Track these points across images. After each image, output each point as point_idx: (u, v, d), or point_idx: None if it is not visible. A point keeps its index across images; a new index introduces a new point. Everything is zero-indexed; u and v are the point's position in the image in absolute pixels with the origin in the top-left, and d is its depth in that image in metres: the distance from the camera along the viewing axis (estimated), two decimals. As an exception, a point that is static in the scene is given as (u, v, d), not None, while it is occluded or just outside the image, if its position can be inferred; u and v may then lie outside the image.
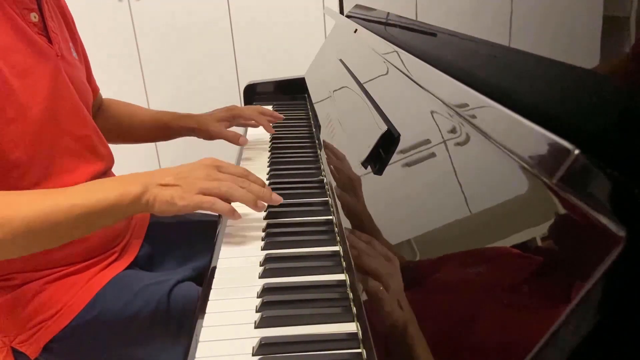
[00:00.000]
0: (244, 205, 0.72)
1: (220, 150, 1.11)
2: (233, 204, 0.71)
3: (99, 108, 1.07)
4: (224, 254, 0.71)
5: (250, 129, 1.26)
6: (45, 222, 0.62)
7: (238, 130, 1.14)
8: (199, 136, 1.09)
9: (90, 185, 0.70)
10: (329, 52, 1.37)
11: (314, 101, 1.23)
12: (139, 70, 2.31)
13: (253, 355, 0.52)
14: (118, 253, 0.88)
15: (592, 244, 0.27)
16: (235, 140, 1.05)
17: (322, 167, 0.96)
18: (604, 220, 0.27)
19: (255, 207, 0.72)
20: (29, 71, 0.73)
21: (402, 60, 0.70)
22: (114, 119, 1.07)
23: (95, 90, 1.02)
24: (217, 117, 1.08)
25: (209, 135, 1.07)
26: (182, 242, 0.98)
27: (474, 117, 0.43)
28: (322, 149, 0.97)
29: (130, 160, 1.52)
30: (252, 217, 0.79)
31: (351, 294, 0.59)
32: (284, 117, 1.21)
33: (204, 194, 0.69)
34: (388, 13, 0.99)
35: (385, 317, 0.47)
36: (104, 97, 1.08)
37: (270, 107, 1.42)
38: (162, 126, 1.08)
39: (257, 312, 0.58)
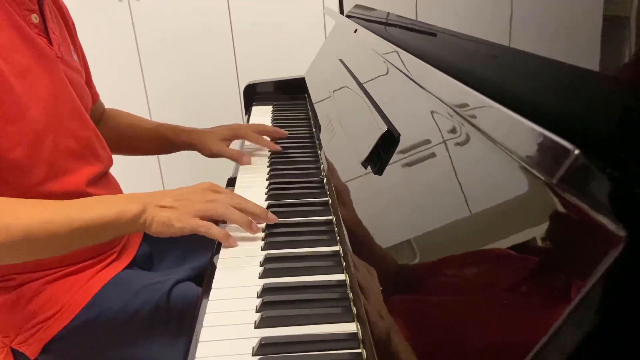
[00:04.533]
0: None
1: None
2: (231, 229, 0.72)
3: (101, 117, 1.06)
4: (223, 253, 0.71)
5: None
6: (43, 232, 0.63)
7: (237, 144, 1.13)
8: (199, 152, 1.08)
9: (91, 200, 0.71)
10: (329, 52, 1.37)
11: (314, 101, 1.23)
12: (139, 71, 2.31)
13: (253, 355, 0.52)
14: (117, 253, 0.88)
15: (592, 244, 0.27)
16: (239, 159, 1.04)
17: (322, 167, 0.96)
18: (604, 220, 0.27)
19: (249, 229, 0.73)
20: (29, 71, 0.73)
21: (402, 60, 0.70)
22: (116, 130, 1.06)
23: (95, 96, 1.01)
24: (220, 135, 1.07)
25: (210, 153, 1.06)
26: (181, 241, 0.97)
27: (474, 117, 0.43)
28: (322, 149, 0.97)
29: (131, 161, 1.51)
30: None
31: (351, 294, 0.59)
32: (284, 117, 1.20)
33: (201, 217, 0.70)
34: (388, 13, 0.99)
35: (385, 318, 0.46)
36: (104, 98, 1.08)
37: (270, 107, 1.42)
38: (163, 139, 1.08)
39: (257, 312, 0.58)
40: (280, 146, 1.09)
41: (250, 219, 0.73)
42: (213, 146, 1.05)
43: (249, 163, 1.04)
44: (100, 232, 0.67)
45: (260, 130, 1.10)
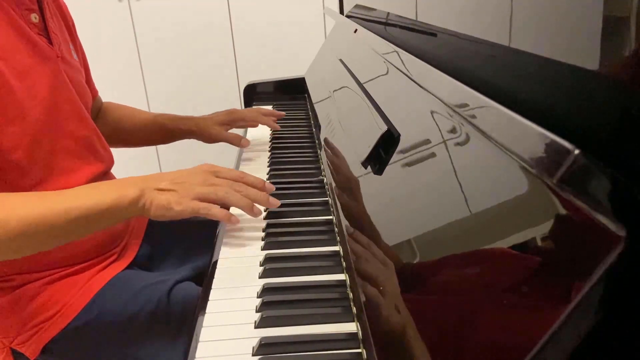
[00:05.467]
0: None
1: (220, 151, 1.11)
2: (232, 209, 0.71)
3: (99, 112, 1.06)
4: (223, 253, 0.71)
5: (250, 130, 1.26)
6: (41, 224, 0.62)
7: (238, 132, 1.13)
8: (199, 139, 1.08)
9: (87, 188, 0.70)
10: (329, 52, 1.37)
11: (314, 101, 1.23)
12: (139, 70, 2.31)
13: (253, 355, 0.52)
14: (117, 253, 0.88)
15: (592, 244, 0.27)
16: (237, 142, 1.05)
17: (322, 167, 0.96)
18: (604, 220, 0.27)
19: (251, 212, 0.72)
20: (29, 72, 0.73)
21: (402, 60, 0.70)
22: (114, 123, 1.06)
23: (94, 93, 1.01)
24: (218, 120, 1.07)
25: (209, 138, 1.06)
26: (182, 242, 0.98)
27: (474, 117, 0.43)
28: (322, 149, 0.97)
29: (130, 161, 1.52)
30: (252, 217, 0.78)
31: (351, 294, 0.59)
32: (284, 117, 1.20)
33: (201, 200, 0.69)
34: (388, 13, 0.99)
35: (385, 318, 0.47)
36: (104, 97, 1.08)
37: (270, 107, 1.42)
38: (162, 129, 1.08)
39: (257, 312, 0.58)
40: (280, 146, 1.09)
41: (252, 202, 0.72)
42: (212, 131, 1.05)
43: (247, 145, 1.05)
44: (99, 219, 0.66)
45: (258, 112, 1.11)
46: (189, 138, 1.09)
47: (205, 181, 0.71)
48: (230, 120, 1.09)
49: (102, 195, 0.66)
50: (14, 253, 0.66)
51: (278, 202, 0.75)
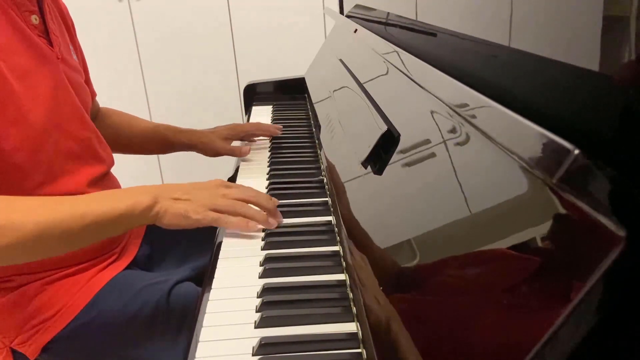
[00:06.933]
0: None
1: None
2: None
3: (96, 116, 1.06)
4: (223, 253, 0.71)
5: None
6: (56, 229, 0.63)
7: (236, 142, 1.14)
8: (201, 152, 1.09)
9: (102, 194, 0.71)
10: (329, 52, 1.37)
11: (314, 101, 1.23)
12: (139, 71, 2.31)
13: (253, 355, 0.52)
14: (117, 253, 0.88)
15: (592, 244, 0.27)
16: (238, 152, 1.06)
17: (322, 167, 0.96)
18: (604, 220, 0.27)
19: (267, 224, 0.74)
20: (30, 73, 0.73)
21: (402, 60, 0.70)
22: (113, 129, 1.06)
23: (92, 94, 1.01)
24: (221, 134, 1.08)
25: (213, 153, 1.08)
26: (182, 242, 0.98)
27: (474, 117, 0.43)
28: (322, 149, 0.97)
29: (130, 160, 1.51)
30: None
31: (351, 294, 0.59)
32: (284, 117, 1.21)
33: (216, 211, 0.70)
34: (388, 13, 0.99)
35: (385, 318, 0.46)
36: (103, 98, 1.08)
37: (270, 107, 1.43)
38: (162, 140, 1.08)
39: (257, 312, 0.58)
40: (280, 146, 1.10)
41: (266, 215, 0.74)
42: (217, 145, 1.06)
43: (248, 152, 1.06)
44: (113, 225, 0.67)
45: (258, 128, 1.12)
46: (190, 151, 1.09)
47: (218, 193, 0.73)
48: (234, 134, 1.10)
49: (117, 202, 0.67)
50: (28, 257, 0.66)
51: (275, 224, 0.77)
